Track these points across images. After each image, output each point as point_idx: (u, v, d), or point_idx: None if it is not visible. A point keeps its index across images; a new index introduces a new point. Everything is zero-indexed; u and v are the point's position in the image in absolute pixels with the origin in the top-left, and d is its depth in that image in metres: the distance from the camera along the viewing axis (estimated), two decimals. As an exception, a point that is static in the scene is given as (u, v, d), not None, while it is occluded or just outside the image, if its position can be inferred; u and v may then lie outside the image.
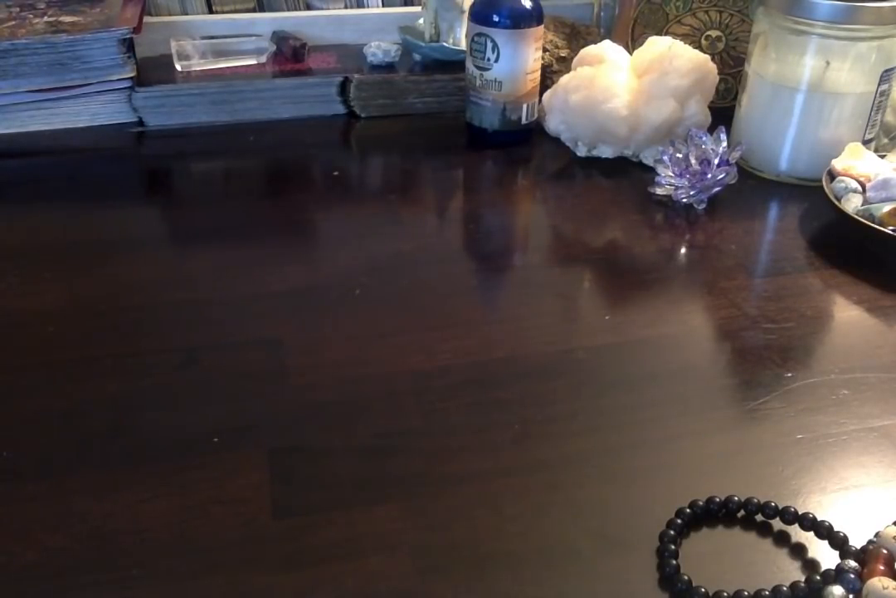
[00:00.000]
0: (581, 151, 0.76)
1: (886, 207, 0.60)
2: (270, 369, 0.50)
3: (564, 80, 0.75)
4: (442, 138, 0.80)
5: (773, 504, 0.40)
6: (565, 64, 0.83)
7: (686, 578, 0.37)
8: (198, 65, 0.82)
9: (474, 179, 0.76)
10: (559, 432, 0.46)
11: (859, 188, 0.63)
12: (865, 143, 0.70)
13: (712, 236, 0.65)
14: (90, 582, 0.37)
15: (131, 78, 0.78)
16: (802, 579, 0.37)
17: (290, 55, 0.85)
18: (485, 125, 0.78)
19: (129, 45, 0.77)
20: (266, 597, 0.37)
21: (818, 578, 0.37)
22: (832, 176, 0.65)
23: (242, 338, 0.53)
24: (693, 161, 0.67)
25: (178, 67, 0.82)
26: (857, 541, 0.38)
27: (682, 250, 0.64)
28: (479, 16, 0.73)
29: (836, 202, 0.62)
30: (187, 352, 0.51)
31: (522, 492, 0.42)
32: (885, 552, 0.37)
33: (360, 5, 0.92)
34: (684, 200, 0.68)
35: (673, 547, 0.38)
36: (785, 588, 0.36)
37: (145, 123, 0.80)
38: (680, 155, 0.68)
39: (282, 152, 0.78)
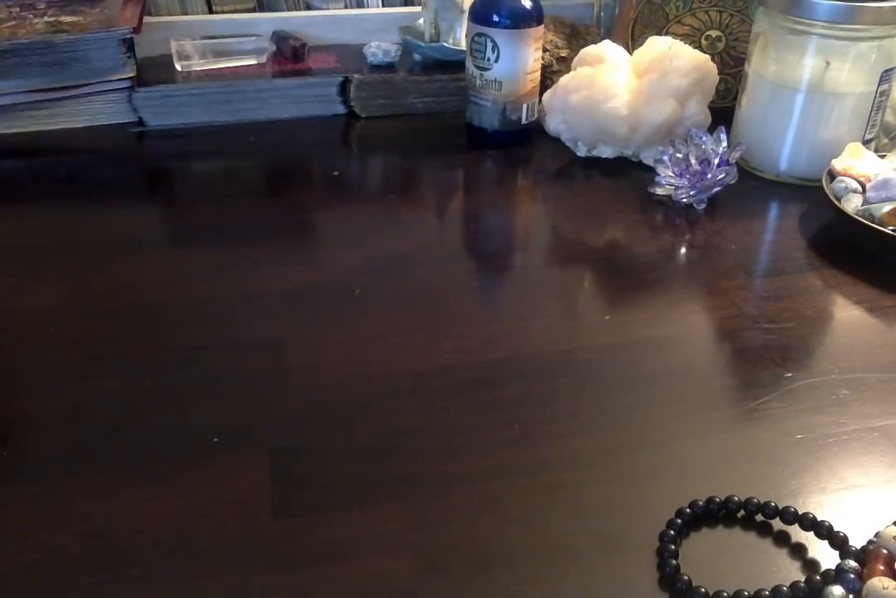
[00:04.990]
0: (581, 151, 0.76)
1: (886, 207, 0.60)
2: (270, 369, 0.50)
3: (564, 80, 0.75)
4: (442, 138, 0.80)
5: (773, 504, 0.40)
6: (565, 64, 0.83)
7: (686, 578, 0.37)
8: (198, 65, 0.82)
9: (474, 179, 0.76)
10: (559, 432, 0.46)
11: (859, 188, 0.63)
12: (865, 143, 0.70)
13: (712, 236, 0.65)
14: (90, 582, 0.37)
15: (131, 78, 0.78)
16: (802, 579, 0.37)
17: (290, 55, 0.85)
18: (485, 125, 0.78)
19: (129, 45, 0.77)
20: (266, 597, 0.37)
21: (818, 578, 0.37)
22: (832, 176, 0.65)
23: (242, 338, 0.53)
24: (693, 161, 0.67)
25: (178, 67, 0.82)
26: (857, 541, 0.38)
27: (682, 250, 0.64)
28: (479, 16, 0.73)
29: (836, 202, 0.62)
30: (187, 352, 0.51)
31: (522, 492, 0.42)
32: (885, 552, 0.37)
33: (360, 5, 0.92)
34: (684, 200, 0.68)
35: (673, 547, 0.38)
36: (785, 588, 0.36)
37: (145, 123, 0.80)
38: (680, 155, 0.68)
39: (282, 152, 0.78)
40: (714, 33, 0.83)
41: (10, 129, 0.78)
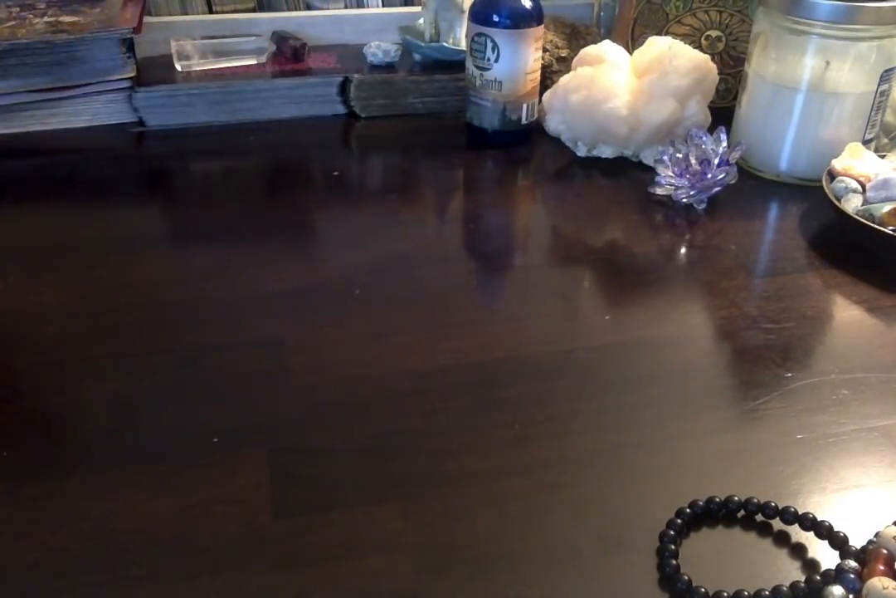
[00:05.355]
0: (581, 151, 0.76)
1: (886, 207, 0.60)
2: (270, 369, 0.50)
3: (564, 80, 0.75)
4: (442, 138, 0.80)
5: (773, 504, 0.40)
6: (565, 64, 0.83)
7: (686, 578, 0.37)
8: (198, 65, 0.82)
9: (474, 179, 0.76)
10: (559, 432, 0.46)
11: (859, 188, 0.63)
12: (865, 143, 0.70)
13: (712, 236, 0.65)
14: (90, 582, 0.37)
15: (131, 78, 0.78)
16: (802, 579, 0.37)
17: (290, 55, 0.85)
18: (485, 125, 0.78)
19: (129, 45, 0.77)
20: (266, 597, 0.37)
21: (818, 578, 0.37)
22: (832, 176, 0.65)
23: (242, 338, 0.53)
24: (693, 161, 0.67)
25: (178, 67, 0.82)
26: (857, 541, 0.38)
27: (682, 250, 0.64)
28: (479, 16, 0.73)
29: (836, 202, 0.62)
30: (187, 352, 0.51)
31: (522, 492, 0.42)
32: (885, 552, 0.37)
33: (360, 5, 0.92)
34: (684, 200, 0.68)
35: (673, 547, 0.38)
36: (785, 588, 0.36)
37: (145, 123, 0.80)
38: (680, 155, 0.68)
39: (282, 152, 0.78)
40: (714, 33, 0.83)
41: (10, 129, 0.78)
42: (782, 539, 0.40)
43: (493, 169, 0.76)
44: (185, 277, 0.59)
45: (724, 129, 0.68)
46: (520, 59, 0.74)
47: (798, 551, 0.39)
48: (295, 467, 0.43)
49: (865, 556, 0.37)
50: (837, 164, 0.65)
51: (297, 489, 0.42)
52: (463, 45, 0.82)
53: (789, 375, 0.50)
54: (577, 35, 0.86)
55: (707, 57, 0.74)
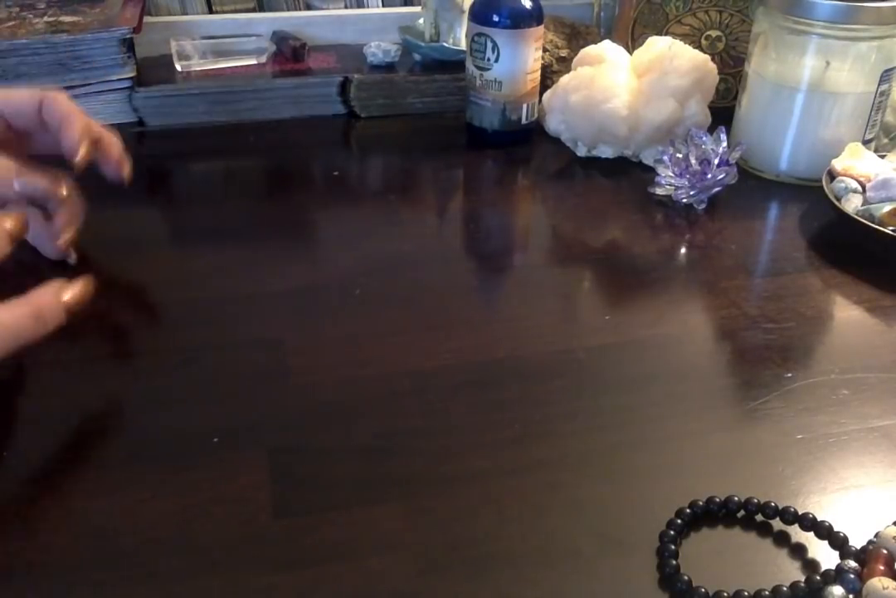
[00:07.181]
0: (581, 151, 0.76)
1: (886, 207, 0.60)
2: (270, 369, 0.50)
3: (564, 80, 0.76)
4: (442, 138, 0.80)
5: (773, 504, 0.40)
6: (565, 64, 0.83)
7: (686, 578, 0.37)
8: (198, 65, 0.82)
9: (474, 179, 0.76)
10: (559, 432, 0.46)
11: (859, 188, 0.63)
12: (865, 143, 0.70)
13: (712, 236, 0.65)
14: (90, 582, 0.37)
15: (131, 78, 0.78)
16: (802, 579, 0.37)
17: (290, 55, 0.85)
18: (485, 125, 0.78)
19: (129, 45, 0.77)
20: (266, 597, 0.37)
21: (818, 578, 0.37)
22: (832, 176, 0.65)
23: (242, 338, 0.53)
24: (693, 161, 0.67)
25: (178, 67, 0.82)
26: (857, 541, 0.38)
27: (682, 250, 0.64)
28: (479, 16, 0.73)
29: (836, 202, 0.62)
30: (187, 352, 0.51)
31: (522, 492, 0.42)
32: (885, 552, 0.37)
33: (360, 5, 0.92)
34: (684, 200, 0.68)
35: (673, 547, 0.38)
36: (785, 588, 0.36)
37: (145, 123, 0.80)
38: (680, 155, 0.68)
39: (282, 152, 0.78)
40: (714, 33, 0.83)
41: (10, 129, 0.78)
42: (782, 539, 0.40)
43: (493, 169, 0.76)
44: (185, 277, 0.59)
45: (724, 129, 0.68)
46: (520, 59, 0.74)
47: (798, 551, 0.39)
48: (295, 467, 0.43)
49: (865, 556, 0.37)
50: (837, 164, 0.65)
51: (297, 489, 0.42)
52: (463, 45, 0.82)
53: (789, 375, 0.50)
54: (577, 35, 0.86)
55: (707, 57, 0.74)
